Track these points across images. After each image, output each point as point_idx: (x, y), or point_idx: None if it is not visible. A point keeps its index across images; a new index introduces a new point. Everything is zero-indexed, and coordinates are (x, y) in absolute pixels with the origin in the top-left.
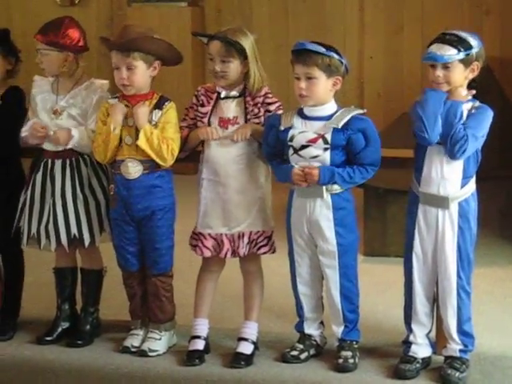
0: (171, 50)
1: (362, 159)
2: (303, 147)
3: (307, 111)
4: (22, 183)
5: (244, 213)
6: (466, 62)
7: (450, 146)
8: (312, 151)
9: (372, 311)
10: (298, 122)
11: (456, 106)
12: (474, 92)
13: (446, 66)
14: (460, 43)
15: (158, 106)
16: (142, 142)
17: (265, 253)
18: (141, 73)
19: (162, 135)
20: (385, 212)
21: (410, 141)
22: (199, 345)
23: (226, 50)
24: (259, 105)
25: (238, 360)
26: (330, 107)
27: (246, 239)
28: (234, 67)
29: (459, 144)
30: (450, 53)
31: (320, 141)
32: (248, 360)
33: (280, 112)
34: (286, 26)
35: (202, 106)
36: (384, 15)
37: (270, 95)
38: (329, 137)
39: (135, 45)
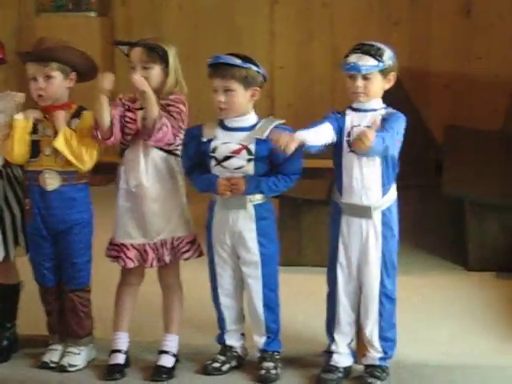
0: (88, 62)
1: (284, 169)
2: (226, 158)
3: (228, 122)
4: None
5: (164, 221)
6: (384, 73)
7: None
8: (236, 162)
9: (291, 321)
10: (220, 133)
11: (373, 152)
12: (378, 123)
13: (365, 77)
14: (379, 54)
15: (76, 115)
16: (60, 143)
17: (188, 258)
18: (58, 83)
19: (79, 140)
20: (300, 222)
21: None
22: (119, 359)
23: (147, 56)
24: (162, 108)
25: (160, 373)
26: (251, 118)
27: (168, 246)
28: (156, 73)
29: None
30: (370, 63)
31: (244, 152)
32: (169, 373)
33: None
34: (195, 37)
35: (129, 110)
36: (294, 25)
37: (177, 99)
38: (252, 147)
39: (53, 54)
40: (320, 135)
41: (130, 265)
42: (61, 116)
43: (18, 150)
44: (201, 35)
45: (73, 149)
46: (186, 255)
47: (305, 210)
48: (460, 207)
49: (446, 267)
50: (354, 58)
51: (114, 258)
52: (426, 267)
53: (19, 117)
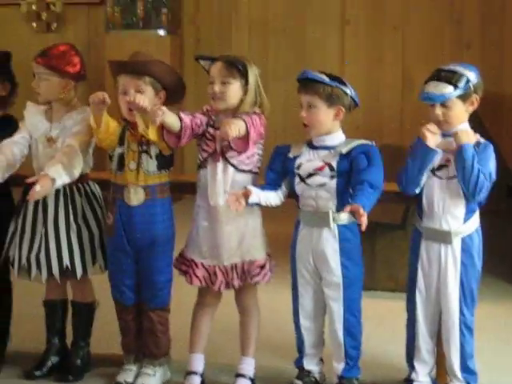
0: (178, 81)
1: (363, 176)
2: (310, 175)
3: (315, 141)
4: (12, 211)
5: (236, 244)
6: (464, 98)
7: (471, 190)
8: (319, 179)
9: (367, 346)
10: (306, 151)
11: (468, 150)
12: (478, 136)
13: (444, 105)
14: (456, 79)
15: None
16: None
17: (258, 282)
18: (149, 99)
19: None
20: (373, 246)
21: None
22: (195, 381)
23: (226, 70)
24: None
25: None
26: (337, 137)
27: (239, 270)
28: (234, 89)
29: (479, 187)
30: (447, 90)
31: (326, 168)
32: None
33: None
34: (265, 55)
35: (213, 127)
36: (364, 47)
37: (254, 116)
38: (334, 164)
39: (147, 68)
40: None
41: (197, 283)
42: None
43: (106, 134)
44: (270, 55)
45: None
46: (256, 279)
47: (379, 234)
48: None
49: None
50: (430, 87)
51: (182, 272)
52: (500, 295)
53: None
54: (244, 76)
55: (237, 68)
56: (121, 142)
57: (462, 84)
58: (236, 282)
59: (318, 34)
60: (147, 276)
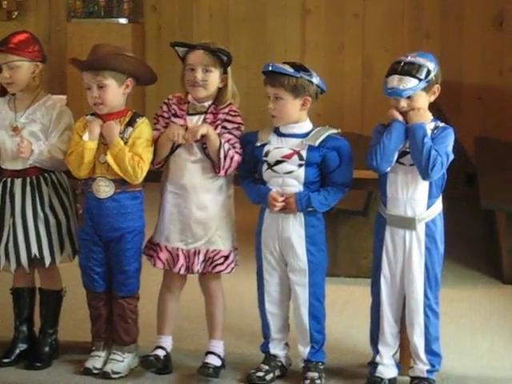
0: (143, 68)
1: (335, 178)
2: (278, 162)
3: (283, 129)
4: None
5: (203, 230)
6: (427, 89)
7: (423, 167)
8: (286, 167)
9: (330, 331)
10: (274, 138)
11: (419, 129)
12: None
13: (409, 97)
14: (420, 72)
15: (130, 122)
16: (109, 158)
17: (219, 272)
18: (112, 91)
19: (131, 151)
20: (336, 232)
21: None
22: (159, 352)
23: (209, 59)
24: (219, 121)
25: (207, 368)
26: (305, 125)
27: (201, 257)
28: (215, 78)
29: (431, 163)
30: (412, 84)
31: (295, 157)
32: (216, 370)
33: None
34: (226, 44)
35: (175, 116)
36: (325, 35)
37: (233, 113)
38: (304, 153)
39: (104, 63)
40: None
41: (160, 266)
42: (113, 128)
43: (87, 169)
44: (231, 44)
45: (124, 164)
46: (218, 269)
47: (341, 220)
48: (493, 219)
49: (481, 280)
50: (394, 82)
51: (149, 257)
52: (462, 280)
53: (87, 138)
54: (223, 65)
55: (219, 57)
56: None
57: (424, 76)
58: (196, 268)
59: (279, 22)
60: (117, 265)
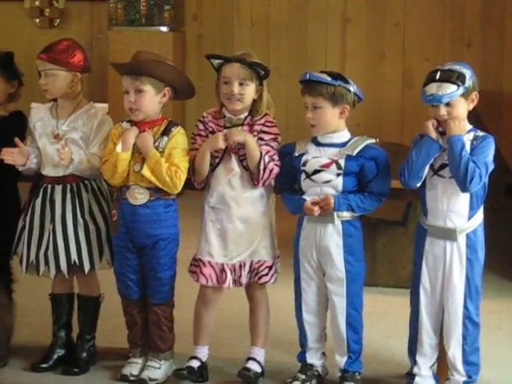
0: (182, 79)
1: (372, 187)
2: (316, 172)
3: (321, 138)
4: (18, 209)
5: (246, 242)
6: (465, 96)
7: (462, 179)
8: (324, 176)
9: (368, 342)
10: (311, 148)
11: (457, 141)
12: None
13: (448, 104)
14: (458, 78)
15: (166, 132)
16: (146, 171)
17: (265, 282)
18: (149, 97)
19: (168, 162)
20: (375, 242)
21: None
22: (193, 363)
23: (246, 72)
24: (255, 133)
25: (248, 371)
26: (343, 135)
27: (247, 268)
28: (251, 91)
29: (469, 176)
30: (451, 90)
31: (333, 166)
32: (257, 375)
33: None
34: (267, 52)
35: (213, 132)
36: (365, 44)
37: (269, 124)
38: (342, 162)
39: (143, 68)
40: None
41: (203, 281)
42: (147, 140)
43: (121, 178)
44: (272, 52)
45: (161, 175)
46: (263, 280)
47: (380, 230)
48: None
49: None
50: (433, 89)
51: (192, 273)
52: (501, 292)
53: (120, 149)
54: (259, 77)
55: (256, 70)
56: None
57: (462, 82)
58: (244, 280)
59: (319, 31)
60: (151, 272)
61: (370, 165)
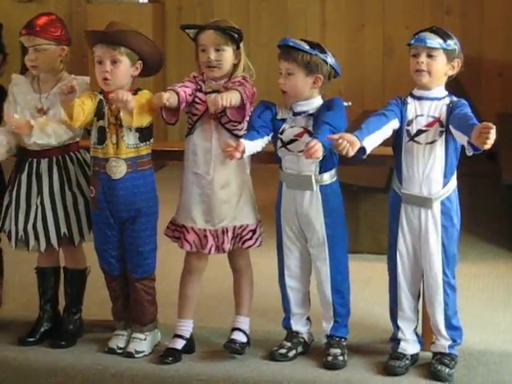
0: (156, 52)
1: (323, 119)
2: (291, 141)
3: (294, 107)
4: (3, 184)
5: (227, 208)
6: (448, 55)
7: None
8: (299, 145)
9: (353, 309)
10: (290, 116)
11: None
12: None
13: (430, 55)
14: (446, 36)
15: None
16: (135, 120)
17: (250, 246)
18: (124, 68)
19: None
20: (357, 209)
21: None
22: (177, 344)
23: (220, 38)
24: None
25: (233, 343)
26: (316, 102)
27: (230, 234)
28: (228, 56)
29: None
30: (438, 40)
31: (305, 134)
32: (243, 346)
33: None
34: (247, 23)
35: (201, 91)
36: (345, 13)
37: (244, 80)
38: (311, 128)
39: (124, 38)
40: (380, 139)
41: (187, 248)
42: (120, 93)
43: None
44: (252, 22)
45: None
46: (247, 244)
47: (362, 197)
48: None
49: (503, 255)
50: (421, 35)
51: (174, 238)
52: (483, 256)
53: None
54: (236, 42)
55: (230, 35)
56: (99, 114)
57: (449, 41)
58: (227, 246)
59: (299, 0)
60: (131, 247)
61: (322, 108)
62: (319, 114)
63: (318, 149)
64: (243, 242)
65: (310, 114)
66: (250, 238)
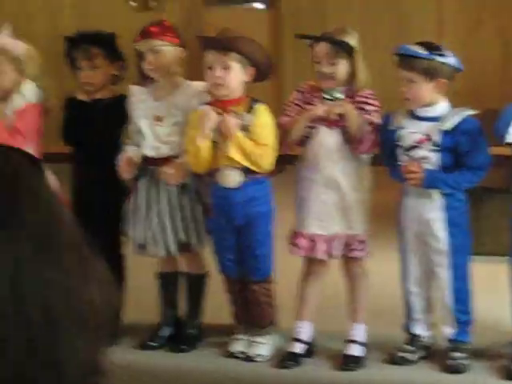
0: (267, 59)
1: (468, 161)
2: (412, 148)
3: (417, 112)
4: (124, 189)
5: (342, 215)
6: None
7: None
8: (420, 152)
9: (475, 312)
10: (407, 122)
11: None
12: None
13: None
14: None
15: (249, 109)
16: (233, 153)
17: (358, 256)
18: (235, 74)
19: (255, 140)
20: (480, 210)
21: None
22: (297, 348)
23: (333, 52)
24: (356, 104)
25: (348, 362)
26: (440, 107)
27: (340, 241)
28: (342, 68)
29: None
30: None
31: (427, 142)
32: (358, 362)
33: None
34: (362, 26)
35: (308, 103)
36: (463, 12)
37: (370, 96)
38: (437, 138)
39: (235, 44)
40: None
41: (300, 253)
42: (230, 124)
43: (206, 165)
44: (368, 24)
45: (247, 154)
46: (356, 254)
47: (485, 199)
48: None
49: None
50: None
51: (291, 245)
52: None
53: (200, 142)
54: (349, 53)
55: (343, 48)
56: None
57: None
58: (336, 253)
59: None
60: (248, 250)
61: (464, 139)
62: (460, 144)
63: (417, 179)
64: (352, 251)
65: (433, 119)
66: (359, 249)
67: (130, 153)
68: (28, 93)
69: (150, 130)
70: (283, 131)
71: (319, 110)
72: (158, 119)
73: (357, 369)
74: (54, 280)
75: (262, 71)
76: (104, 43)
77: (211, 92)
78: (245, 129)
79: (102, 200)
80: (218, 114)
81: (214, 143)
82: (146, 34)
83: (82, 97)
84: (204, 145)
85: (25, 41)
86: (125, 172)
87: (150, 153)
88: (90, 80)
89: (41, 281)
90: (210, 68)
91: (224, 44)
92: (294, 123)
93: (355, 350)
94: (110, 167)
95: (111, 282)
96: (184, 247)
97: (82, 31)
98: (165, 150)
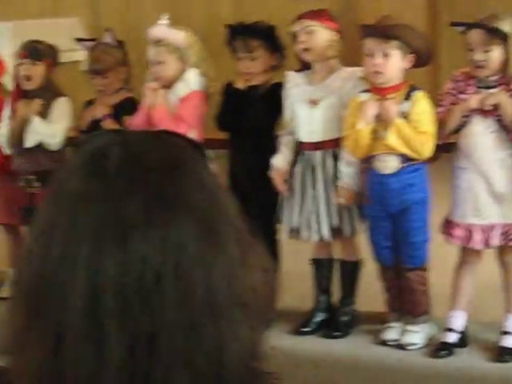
0: (427, 46)
1: None
2: None
3: None
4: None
5: (497, 204)
6: None
7: None
8: None
9: None
10: None
11: None
12: None
13: None
14: None
15: (408, 96)
16: (392, 140)
17: None
18: (395, 62)
19: (415, 128)
20: None
21: None
22: (449, 337)
23: (486, 39)
24: (511, 92)
25: (503, 354)
26: None
27: (498, 230)
28: (496, 56)
29: None
30: None
31: None
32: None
33: None
34: None
35: (461, 92)
36: None
37: None
38: None
39: (395, 32)
40: None
41: (454, 241)
42: (390, 109)
43: (364, 151)
44: None
45: (407, 141)
46: None
47: None
48: None
49: None
50: None
51: (445, 234)
52: None
53: (361, 126)
54: (504, 39)
55: (496, 35)
56: None
57: None
58: (494, 241)
59: None
60: (404, 237)
61: None
62: None
63: None
64: (509, 240)
65: None
66: None
67: (279, 164)
68: (191, 80)
69: (305, 114)
70: (438, 122)
71: (473, 101)
72: (314, 103)
73: (511, 361)
74: (217, 266)
75: (422, 58)
76: (264, 35)
77: (370, 79)
78: (404, 116)
79: (258, 186)
80: (378, 100)
81: (373, 130)
82: (300, 16)
83: (239, 84)
84: (365, 131)
85: (184, 27)
86: (279, 184)
87: (305, 137)
88: (249, 70)
89: (204, 267)
90: (370, 55)
91: (385, 32)
92: (449, 114)
93: (510, 342)
94: (266, 155)
95: (272, 269)
96: (337, 233)
97: (243, 22)
98: (320, 134)
